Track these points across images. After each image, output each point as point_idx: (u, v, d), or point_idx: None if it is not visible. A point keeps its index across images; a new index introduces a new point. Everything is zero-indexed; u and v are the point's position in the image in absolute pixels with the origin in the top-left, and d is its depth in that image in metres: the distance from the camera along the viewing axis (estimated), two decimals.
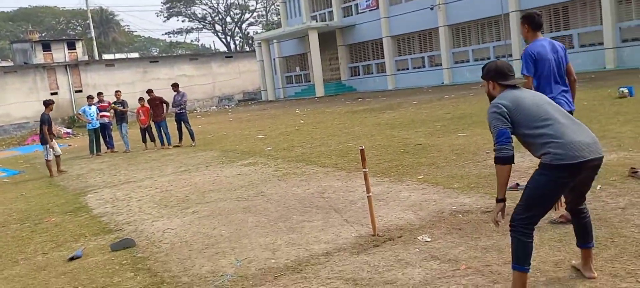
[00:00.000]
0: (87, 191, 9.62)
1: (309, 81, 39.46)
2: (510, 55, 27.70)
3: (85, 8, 51.35)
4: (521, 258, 3.23)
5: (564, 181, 3.16)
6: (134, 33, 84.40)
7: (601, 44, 23.94)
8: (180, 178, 9.67)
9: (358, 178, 7.60)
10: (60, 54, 40.58)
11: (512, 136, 3.27)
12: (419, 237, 4.79)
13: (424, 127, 12.35)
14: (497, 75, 3.51)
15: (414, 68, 33.78)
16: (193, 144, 15.09)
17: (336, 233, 5.19)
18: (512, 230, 3.28)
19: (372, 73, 36.40)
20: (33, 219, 7.70)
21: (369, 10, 35.25)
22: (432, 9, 30.97)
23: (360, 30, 36.23)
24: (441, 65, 31.59)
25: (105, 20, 71.16)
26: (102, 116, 16.28)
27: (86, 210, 7.96)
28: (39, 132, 13.22)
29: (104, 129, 16.38)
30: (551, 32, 26.16)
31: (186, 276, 4.59)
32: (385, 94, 28.78)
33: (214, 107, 41.77)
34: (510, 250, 3.32)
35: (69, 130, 30.44)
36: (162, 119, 15.60)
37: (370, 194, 5.03)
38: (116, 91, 17.47)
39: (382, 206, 5.94)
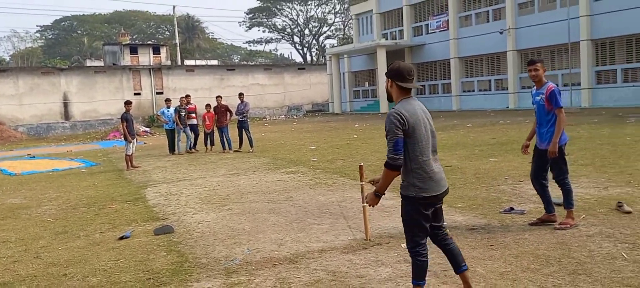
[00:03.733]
0: (148, 185, 10.97)
1: (376, 97, 40.25)
2: (579, 84, 27.32)
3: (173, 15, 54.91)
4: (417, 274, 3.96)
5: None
6: (218, 40, 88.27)
7: None
8: (228, 180, 10.82)
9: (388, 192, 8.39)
10: (145, 57, 43.63)
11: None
12: (402, 245, 5.54)
13: (463, 150, 12.89)
14: (396, 76, 3.81)
15: (480, 90, 33.84)
16: (251, 150, 16.32)
17: (336, 236, 6.04)
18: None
19: (438, 93, 36.70)
20: (98, 205, 9.04)
21: (439, 31, 35.67)
22: (501, 33, 31.03)
23: (428, 49, 36.69)
24: (507, 89, 31.52)
25: (191, 26, 75.10)
26: (190, 118, 17.53)
27: (143, 200, 9.22)
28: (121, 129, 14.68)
29: (192, 130, 17.55)
30: (627, 62, 25.80)
31: (205, 258, 5.60)
32: (448, 115, 29.09)
33: (283, 116, 43.38)
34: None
35: (147, 129, 32.86)
36: (225, 125, 16.97)
37: (365, 205, 5.85)
38: (181, 97, 18.10)
39: (386, 217, 6.72)
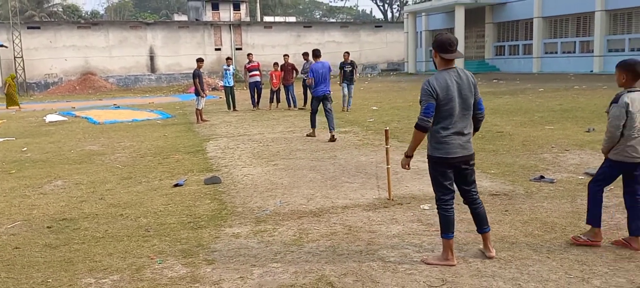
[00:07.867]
0: (211, 138, 11.79)
1: None
2: None
3: None
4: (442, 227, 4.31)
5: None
6: None
7: None
8: (283, 137, 11.42)
9: (421, 155, 8.66)
10: (226, 13, 44.95)
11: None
12: (421, 206, 5.88)
13: (522, 116, 12.74)
14: (439, 47, 4.14)
15: (563, 52, 32.37)
16: None
17: (362, 194, 6.45)
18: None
19: (518, 54, 35.43)
20: (164, 154, 9.92)
21: None
22: None
23: (510, 8, 35.33)
24: (593, 52, 29.95)
25: None
26: (252, 75, 18.17)
27: (203, 152, 10.01)
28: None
29: (255, 86, 18.25)
30: None
31: (242, 207, 6.20)
32: (524, 77, 28.19)
33: (357, 74, 43.44)
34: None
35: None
36: (291, 83, 17.56)
37: (389, 166, 6.21)
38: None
39: (416, 179, 7.03)
